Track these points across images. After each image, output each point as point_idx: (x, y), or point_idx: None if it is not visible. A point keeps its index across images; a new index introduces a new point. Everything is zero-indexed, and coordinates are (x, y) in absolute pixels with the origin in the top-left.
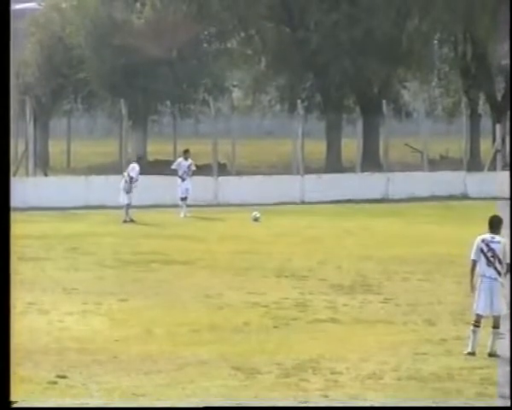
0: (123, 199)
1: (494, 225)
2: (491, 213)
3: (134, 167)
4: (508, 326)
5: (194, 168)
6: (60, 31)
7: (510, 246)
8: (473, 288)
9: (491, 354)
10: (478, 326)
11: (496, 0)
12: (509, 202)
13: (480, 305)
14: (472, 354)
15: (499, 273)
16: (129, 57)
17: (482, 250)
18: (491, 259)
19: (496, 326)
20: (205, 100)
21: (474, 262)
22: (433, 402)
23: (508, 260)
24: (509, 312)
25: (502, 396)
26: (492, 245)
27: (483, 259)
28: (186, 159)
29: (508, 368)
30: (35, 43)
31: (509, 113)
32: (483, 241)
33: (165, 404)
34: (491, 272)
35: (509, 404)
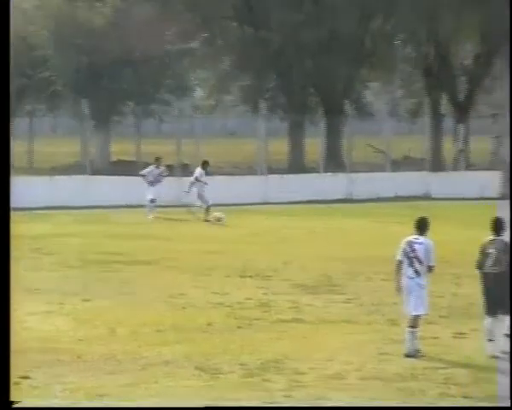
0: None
1: (420, 226)
2: (454, 214)
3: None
4: (504, 327)
5: (165, 174)
6: (22, 30)
7: (510, 247)
8: (398, 288)
9: (408, 355)
10: (411, 325)
11: (459, 0)
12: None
13: (405, 305)
14: (408, 356)
15: (417, 273)
16: (92, 57)
17: (405, 251)
18: (413, 259)
19: (412, 326)
20: (168, 100)
21: (400, 263)
22: (434, 403)
23: (431, 263)
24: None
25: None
26: (415, 246)
27: (406, 259)
28: (158, 167)
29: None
30: None
31: (470, 112)
32: (407, 242)
33: (156, 404)
34: (410, 272)
35: (509, 404)
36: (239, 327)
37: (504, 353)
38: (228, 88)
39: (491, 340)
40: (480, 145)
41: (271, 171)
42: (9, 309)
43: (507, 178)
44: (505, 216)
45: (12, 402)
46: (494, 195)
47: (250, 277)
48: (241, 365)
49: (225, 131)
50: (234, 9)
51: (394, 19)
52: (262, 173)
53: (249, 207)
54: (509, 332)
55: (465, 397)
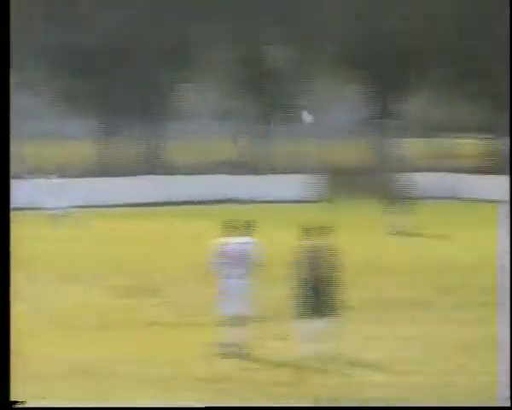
0: None
1: (242, 228)
2: (267, 216)
3: None
4: (319, 329)
5: None
6: None
7: (510, 251)
8: (220, 290)
9: (230, 356)
10: (229, 327)
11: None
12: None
13: (227, 306)
14: (230, 356)
15: (240, 275)
16: None
17: (227, 253)
18: (235, 261)
19: (234, 327)
20: None
21: (220, 265)
22: (434, 402)
23: (253, 264)
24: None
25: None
26: (236, 247)
27: (227, 261)
28: None
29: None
30: None
31: (280, 115)
32: (228, 244)
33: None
34: (232, 273)
35: (509, 404)
36: (59, 331)
37: (320, 354)
38: (47, 89)
39: (307, 342)
40: (289, 148)
41: (86, 174)
42: (9, 309)
43: (326, 181)
44: (326, 219)
45: (13, 402)
46: (309, 198)
47: (71, 281)
48: (56, 367)
49: (43, 132)
50: (53, 12)
51: (211, 22)
52: (76, 176)
53: (73, 210)
54: (320, 335)
55: (288, 398)
